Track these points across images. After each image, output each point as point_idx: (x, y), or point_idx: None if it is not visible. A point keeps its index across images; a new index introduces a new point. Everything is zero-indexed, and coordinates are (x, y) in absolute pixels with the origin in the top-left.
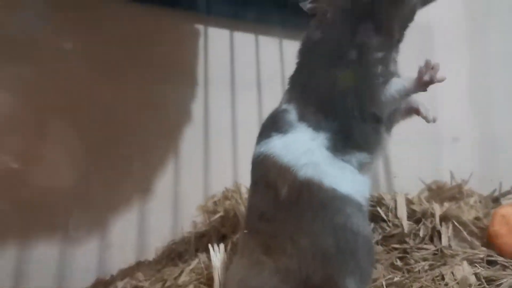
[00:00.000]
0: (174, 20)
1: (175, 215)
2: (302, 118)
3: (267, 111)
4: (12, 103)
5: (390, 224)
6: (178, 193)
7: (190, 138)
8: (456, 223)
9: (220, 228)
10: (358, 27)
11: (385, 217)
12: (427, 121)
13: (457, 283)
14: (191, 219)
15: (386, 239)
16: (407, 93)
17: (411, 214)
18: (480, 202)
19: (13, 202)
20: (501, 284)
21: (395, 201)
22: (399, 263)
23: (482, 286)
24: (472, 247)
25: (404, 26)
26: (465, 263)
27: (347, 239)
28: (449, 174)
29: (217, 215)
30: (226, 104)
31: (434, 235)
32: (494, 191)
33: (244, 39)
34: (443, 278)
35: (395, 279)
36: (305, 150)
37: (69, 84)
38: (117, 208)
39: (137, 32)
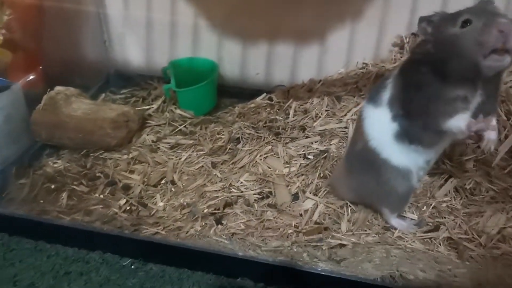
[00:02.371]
0: None
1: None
2: (390, 102)
3: None
4: None
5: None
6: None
7: None
8: None
9: None
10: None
11: None
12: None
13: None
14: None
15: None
16: (460, 132)
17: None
18: None
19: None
20: None
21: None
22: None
23: None
24: None
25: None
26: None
27: (384, 189)
28: None
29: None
30: None
31: None
32: None
33: None
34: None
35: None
36: (380, 128)
37: None
38: (331, 25)
39: None
